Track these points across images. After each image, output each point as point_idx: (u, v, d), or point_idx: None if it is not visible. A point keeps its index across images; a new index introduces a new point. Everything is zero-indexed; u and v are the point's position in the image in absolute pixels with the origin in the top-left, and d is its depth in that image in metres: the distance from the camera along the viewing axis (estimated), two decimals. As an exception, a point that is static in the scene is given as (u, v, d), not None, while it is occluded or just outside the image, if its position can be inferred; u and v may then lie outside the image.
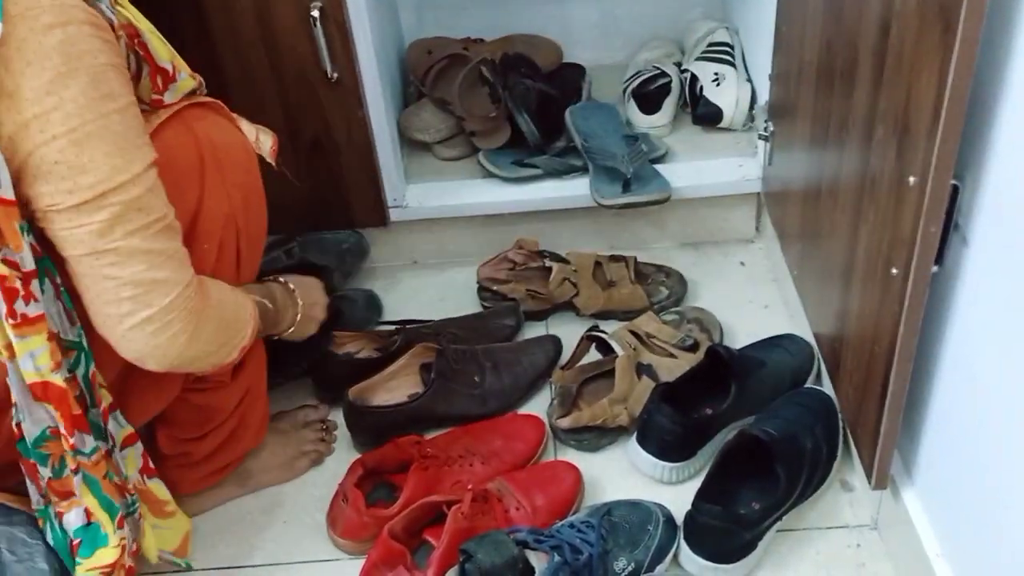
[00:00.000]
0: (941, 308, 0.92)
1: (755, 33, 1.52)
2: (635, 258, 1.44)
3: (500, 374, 1.29)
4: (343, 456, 1.27)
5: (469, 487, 1.11)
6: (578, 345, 1.28)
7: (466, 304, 1.47)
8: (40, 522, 0.98)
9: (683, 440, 1.17)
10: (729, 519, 1.05)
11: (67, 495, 0.96)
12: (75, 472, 0.94)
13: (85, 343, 0.92)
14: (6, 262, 0.83)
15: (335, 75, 1.32)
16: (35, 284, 0.86)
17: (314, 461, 1.27)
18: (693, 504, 1.08)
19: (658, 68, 1.61)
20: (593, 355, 1.31)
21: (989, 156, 0.81)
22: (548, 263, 1.44)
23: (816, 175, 1.18)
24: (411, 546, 1.09)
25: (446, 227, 1.54)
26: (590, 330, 1.29)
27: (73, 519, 0.97)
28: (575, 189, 1.49)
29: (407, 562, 1.08)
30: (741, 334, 1.37)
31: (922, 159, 0.83)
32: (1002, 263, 0.81)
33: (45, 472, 0.94)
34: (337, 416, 1.30)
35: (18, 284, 0.84)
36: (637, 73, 1.62)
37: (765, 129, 1.40)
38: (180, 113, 0.99)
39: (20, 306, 0.85)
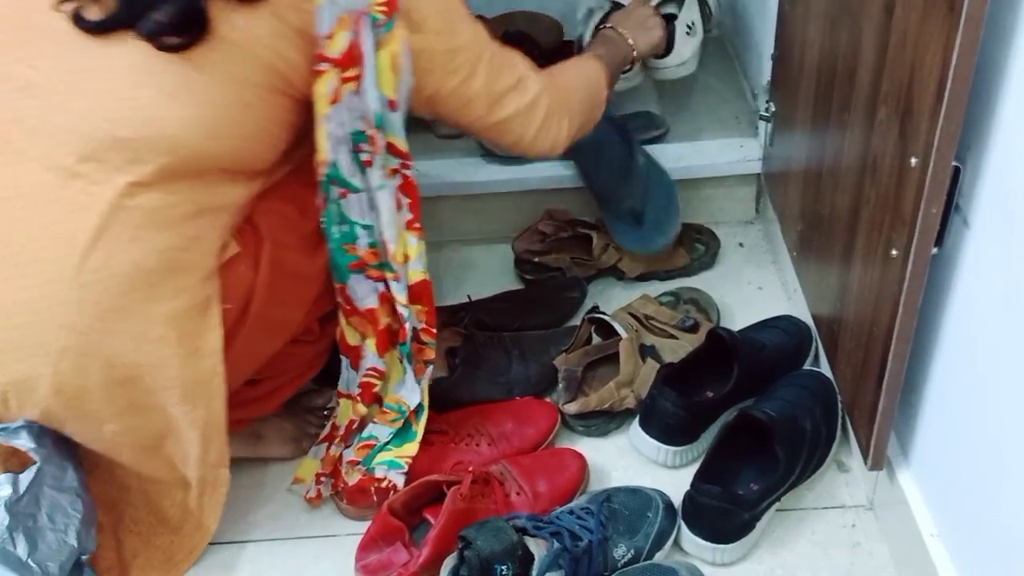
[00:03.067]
0: (940, 290, 0.92)
1: (757, 12, 1.51)
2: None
3: (527, 363, 1.28)
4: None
5: (470, 469, 1.11)
6: (580, 328, 1.28)
7: (465, 284, 1.47)
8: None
9: (686, 424, 1.17)
10: (728, 499, 1.06)
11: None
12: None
13: None
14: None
15: (335, 51, 1.31)
16: None
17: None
18: (692, 484, 1.08)
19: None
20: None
21: (991, 138, 0.81)
22: (582, 230, 1.44)
23: (817, 156, 1.17)
24: (410, 523, 1.10)
25: (444, 205, 1.54)
26: (590, 312, 1.29)
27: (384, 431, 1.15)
28: (573, 167, 1.48)
29: (405, 539, 1.08)
30: (739, 315, 1.37)
31: (924, 140, 0.82)
32: (1002, 245, 0.81)
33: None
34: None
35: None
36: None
37: (766, 109, 1.40)
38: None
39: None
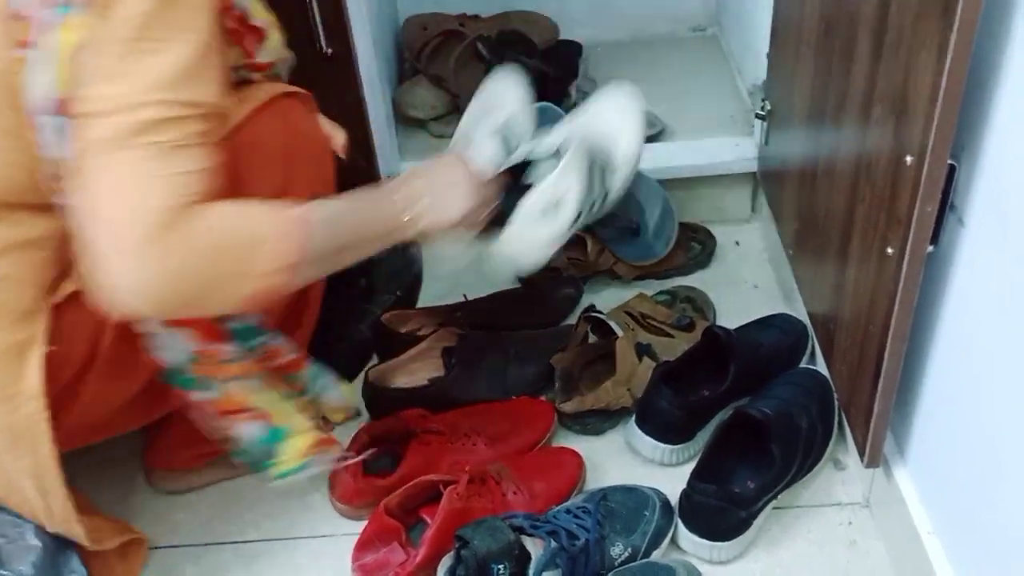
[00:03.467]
0: (935, 288, 0.93)
1: (752, 10, 1.51)
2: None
3: (524, 362, 1.27)
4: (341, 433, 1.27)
5: (466, 468, 1.11)
6: (576, 327, 1.28)
7: (462, 283, 1.46)
8: None
9: (682, 422, 1.17)
10: (725, 497, 1.06)
11: (238, 411, 0.98)
12: (237, 378, 0.97)
13: None
14: None
15: (329, 50, 1.31)
16: None
17: None
18: (688, 483, 1.08)
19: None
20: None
21: (986, 136, 0.81)
22: (577, 232, 1.44)
23: (812, 155, 1.17)
24: (407, 523, 1.10)
25: (441, 205, 1.53)
26: (586, 311, 1.29)
27: (253, 431, 0.99)
28: (570, 167, 1.48)
29: (401, 538, 1.08)
30: (735, 314, 1.37)
31: (919, 138, 0.83)
32: (997, 243, 0.82)
33: (204, 394, 0.97)
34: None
35: None
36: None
37: (762, 108, 1.40)
38: (274, 102, 1.01)
39: None
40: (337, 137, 1.13)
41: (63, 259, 0.89)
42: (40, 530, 0.98)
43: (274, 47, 1.03)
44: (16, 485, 0.94)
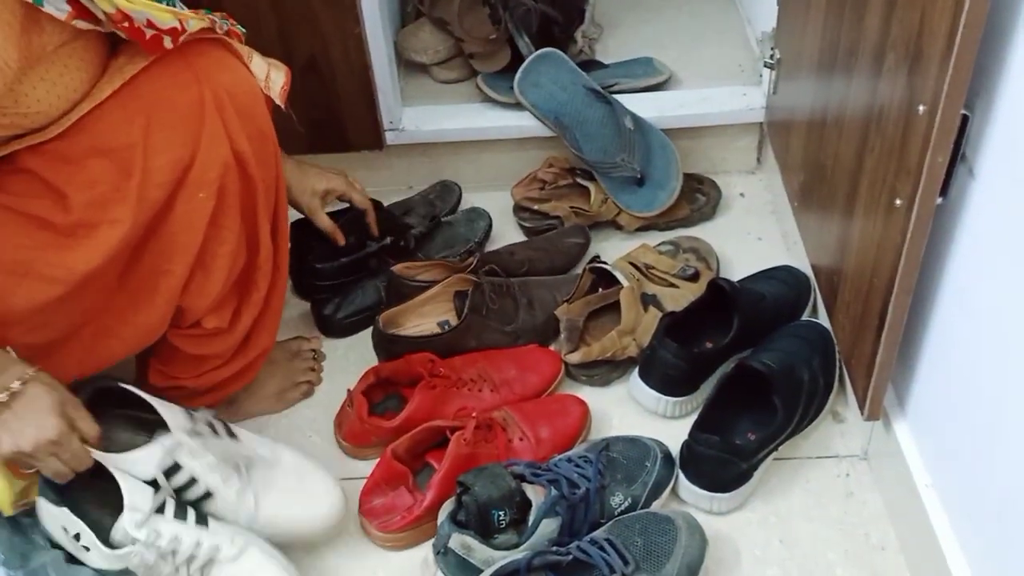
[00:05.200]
0: (943, 241, 0.92)
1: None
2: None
3: (534, 311, 1.27)
4: (337, 384, 1.27)
5: (473, 414, 1.12)
6: (581, 277, 1.27)
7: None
8: None
9: (686, 375, 1.17)
10: (726, 449, 1.06)
11: None
12: None
13: None
14: None
15: (332, -9, 1.28)
16: None
17: (305, 393, 1.26)
18: (690, 434, 1.09)
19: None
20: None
21: (1001, 86, 0.80)
22: (581, 181, 1.42)
23: (822, 104, 1.16)
24: (413, 468, 1.11)
25: (442, 152, 1.52)
26: (591, 261, 1.28)
27: None
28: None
29: (408, 483, 1.09)
30: (738, 265, 1.36)
31: (933, 87, 0.81)
32: (1008, 196, 0.80)
33: None
34: (334, 346, 1.31)
35: None
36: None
37: (771, 57, 1.37)
38: (182, 50, 0.93)
39: None
40: (276, 80, 1.04)
41: None
42: None
43: (195, 28, 0.94)
44: None
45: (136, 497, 0.94)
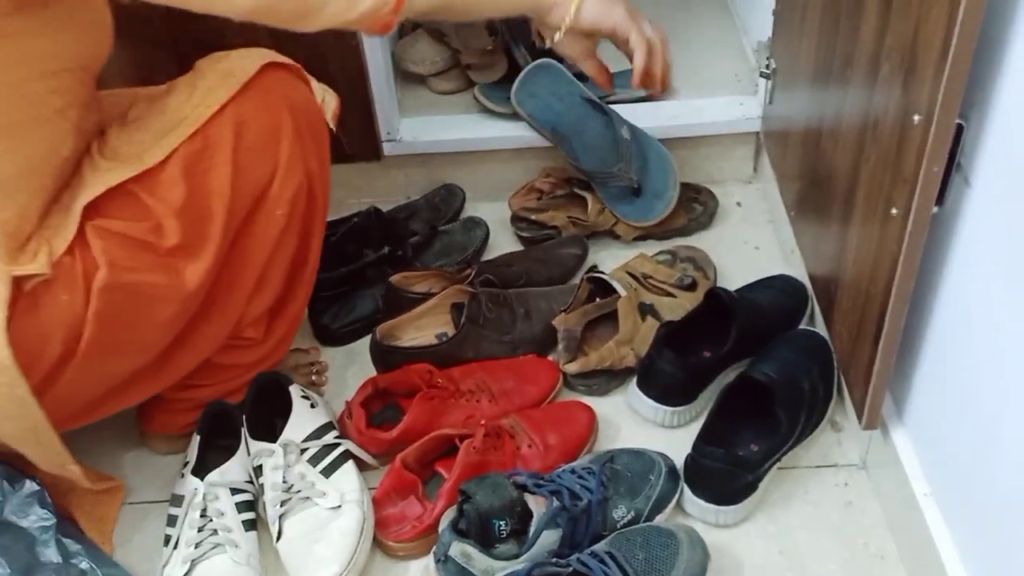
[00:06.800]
0: (939, 250, 0.92)
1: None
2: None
3: (532, 321, 1.27)
4: (335, 395, 1.26)
5: (482, 422, 1.12)
6: (578, 287, 1.27)
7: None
8: None
9: (684, 384, 1.17)
10: (731, 461, 1.05)
11: None
12: None
13: None
14: None
15: (328, 3, 1.28)
16: None
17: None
18: (694, 447, 1.08)
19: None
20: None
21: (996, 96, 0.80)
22: (578, 191, 1.43)
23: (817, 114, 1.16)
24: (423, 476, 1.11)
25: (440, 162, 1.52)
26: (589, 271, 1.28)
27: None
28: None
29: (418, 492, 1.09)
30: (735, 274, 1.36)
31: (928, 97, 0.81)
32: (1003, 205, 0.81)
33: None
34: (331, 356, 1.30)
35: None
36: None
37: (767, 67, 1.38)
38: (261, 76, 1.01)
39: None
40: (329, 104, 1.12)
41: (22, 233, 0.92)
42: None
43: None
44: (14, 440, 0.96)
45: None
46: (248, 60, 1.02)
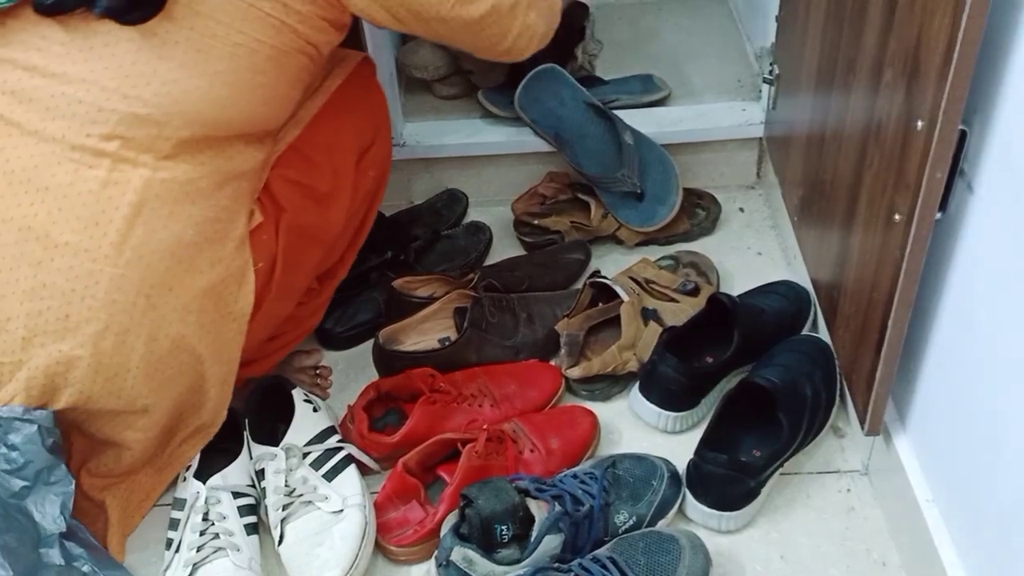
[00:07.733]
0: (942, 255, 0.92)
1: (762, -27, 1.49)
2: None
3: (535, 326, 1.27)
4: (337, 399, 1.26)
5: (484, 427, 1.12)
6: (581, 292, 1.27)
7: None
8: None
9: (686, 389, 1.17)
10: (734, 467, 1.05)
11: None
12: None
13: None
14: None
15: (332, 8, 1.29)
16: None
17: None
18: (697, 453, 1.08)
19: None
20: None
21: (999, 102, 0.80)
22: (581, 195, 1.43)
23: (821, 119, 1.16)
24: (425, 481, 1.11)
25: (443, 167, 1.53)
26: (592, 276, 1.28)
27: None
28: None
29: (421, 497, 1.09)
30: (738, 280, 1.36)
31: (931, 103, 0.81)
32: (1007, 211, 0.81)
33: None
34: (334, 360, 1.30)
35: None
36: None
37: (770, 72, 1.38)
38: (361, 66, 1.17)
39: None
40: None
41: (255, 190, 1.03)
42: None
43: None
44: (203, 390, 1.03)
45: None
46: (346, 55, 1.16)
